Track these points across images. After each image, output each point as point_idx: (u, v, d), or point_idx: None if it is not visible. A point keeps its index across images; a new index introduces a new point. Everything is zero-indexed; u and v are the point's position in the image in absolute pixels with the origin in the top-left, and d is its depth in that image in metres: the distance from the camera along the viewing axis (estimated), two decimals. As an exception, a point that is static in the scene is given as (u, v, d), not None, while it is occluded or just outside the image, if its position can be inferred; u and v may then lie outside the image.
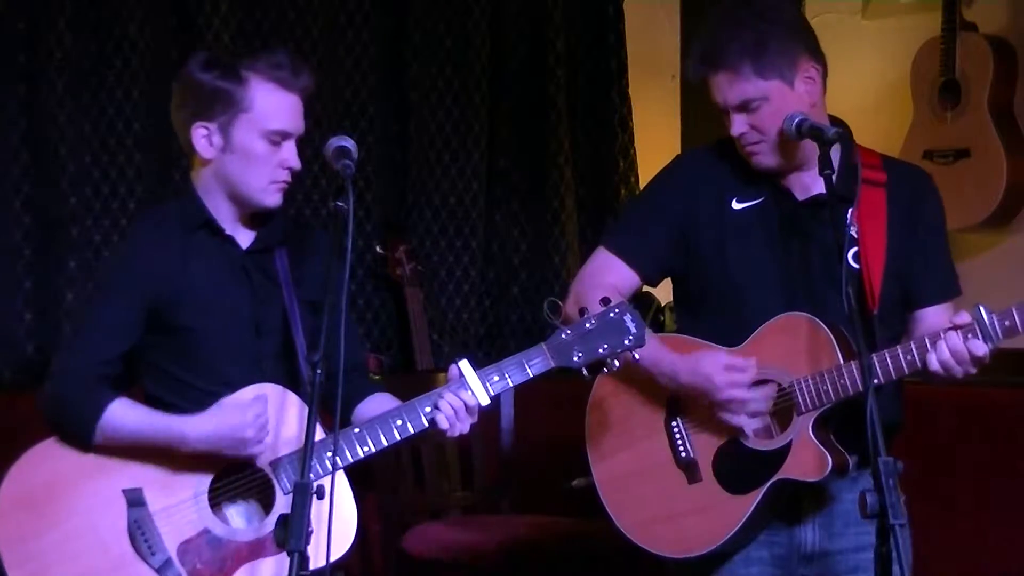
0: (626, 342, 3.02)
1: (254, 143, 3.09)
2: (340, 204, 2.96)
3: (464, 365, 3.04)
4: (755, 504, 3.09)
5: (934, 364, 2.98)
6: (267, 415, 3.03)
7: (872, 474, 2.64)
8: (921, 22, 5.12)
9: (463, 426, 3.03)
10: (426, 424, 3.02)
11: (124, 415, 3.04)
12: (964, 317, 2.98)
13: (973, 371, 3.00)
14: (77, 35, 4.77)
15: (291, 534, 2.64)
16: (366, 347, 3.37)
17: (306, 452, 2.72)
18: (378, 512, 4.80)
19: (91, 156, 4.82)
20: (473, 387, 3.02)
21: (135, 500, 3.03)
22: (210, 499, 3.06)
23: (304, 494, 2.68)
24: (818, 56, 3.14)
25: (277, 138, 3.10)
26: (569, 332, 3.03)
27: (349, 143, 3.04)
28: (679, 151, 5.54)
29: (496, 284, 5.60)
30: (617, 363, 3.04)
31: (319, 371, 2.77)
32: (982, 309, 2.97)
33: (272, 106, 3.09)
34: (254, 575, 3.02)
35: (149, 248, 3.15)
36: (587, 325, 3.02)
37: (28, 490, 3.04)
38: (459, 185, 5.47)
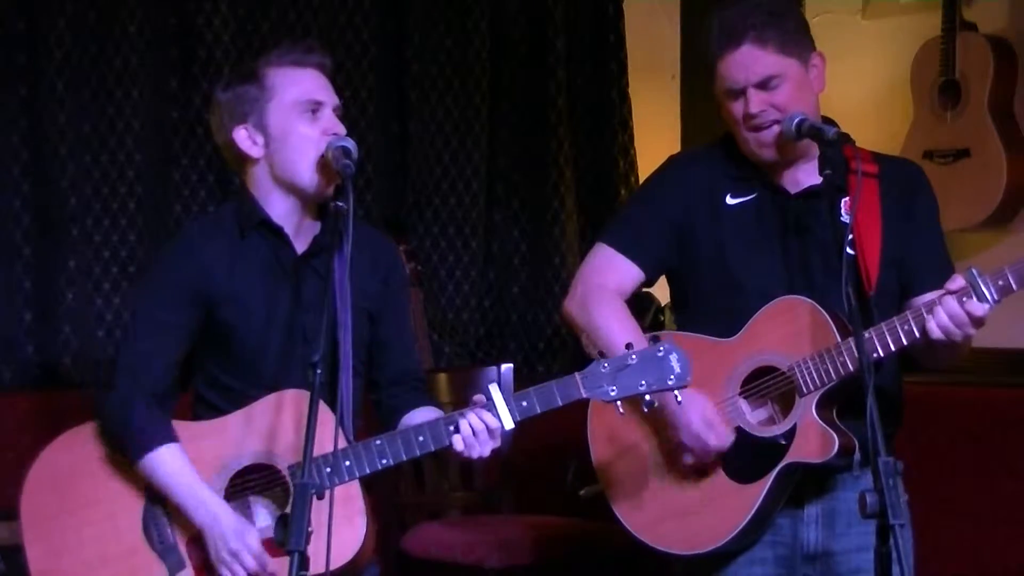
0: (669, 381, 2.93)
1: (289, 120, 3.10)
2: (340, 204, 2.97)
3: (493, 388, 3.01)
4: (765, 492, 3.09)
5: (935, 331, 2.97)
6: (249, 566, 3.03)
7: (872, 474, 2.64)
8: (921, 22, 5.12)
9: (482, 449, 3.00)
10: (447, 443, 3.01)
11: (162, 463, 3.07)
12: (958, 282, 2.99)
13: (973, 333, 2.98)
14: (77, 35, 4.77)
15: (291, 534, 2.65)
16: (416, 357, 3.37)
17: (307, 452, 2.72)
18: (378, 512, 4.80)
19: (91, 156, 4.82)
20: (500, 411, 3.00)
21: (154, 493, 3.10)
22: (232, 494, 3.09)
23: (304, 494, 2.68)
24: (818, 50, 3.20)
25: (311, 107, 3.11)
26: (607, 365, 2.96)
27: (349, 143, 3.05)
28: (679, 151, 5.54)
29: (496, 284, 5.60)
30: (656, 403, 2.97)
31: (319, 372, 2.76)
32: (975, 271, 2.97)
33: (292, 82, 3.12)
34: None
35: (192, 254, 3.16)
36: (629, 360, 2.95)
37: (58, 472, 3.13)
38: (459, 185, 5.47)
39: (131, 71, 4.86)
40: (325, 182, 3.10)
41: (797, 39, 3.14)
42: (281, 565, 2.93)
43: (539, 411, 2.99)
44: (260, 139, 3.12)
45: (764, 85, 3.11)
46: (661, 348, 2.94)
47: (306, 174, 3.10)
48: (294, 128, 3.10)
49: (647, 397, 2.94)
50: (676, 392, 2.95)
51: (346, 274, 2.94)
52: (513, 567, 4.50)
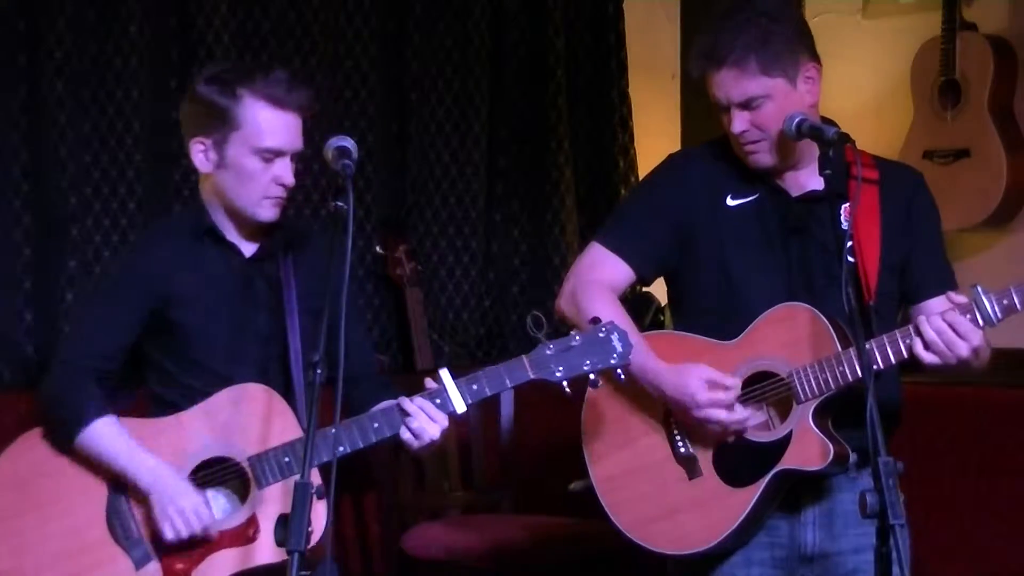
0: (612, 360, 3.06)
1: (246, 160, 3.15)
2: (340, 204, 2.99)
3: (444, 373, 3.09)
4: (756, 496, 3.09)
5: (918, 348, 2.97)
6: (194, 525, 3.07)
7: (872, 474, 2.65)
8: (921, 22, 5.12)
9: (431, 431, 3.06)
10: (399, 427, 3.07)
11: (101, 436, 3.14)
12: (962, 299, 2.99)
13: (964, 354, 2.98)
14: (77, 35, 4.76)
15: (291, 534, 2.65)
16: (374, 353, 3.43)
17: (306, 452, 2.73)
18: (378, 512, 4.81)
19: (91, 156, 4.82)
20: (451, 395, 3.07)
21: (116, 487, 3.14)
22: (193, 484, 3.13)
23: (304, 494, 2.68)
24: (817, 57, 3.16)
25: (269, 155, 3.16)
26: (552, 347, 3.08)
27: (349, 143, 3.07)
28: (679, 149, 5.53)
29: (496, 284, 5.60)
30: (600, 381, 3.09)
31: (319, 371, 2.78)
32: (980, 290, 2.97)
33: (263, 124, 3.14)
34: (215, 564, 3.08)
35: (152, 250, 3.26)
36: (572, 342, 3.07)
37: (18, 470, 3.18)
38: (459, 185, 5.47)
39: (131, 71, 4.85)
40: (263, 213, 3.17)
41: (784, 56, 3.10)
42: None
43: (489, 393, 3.08)
44: (213, 157, 3.18)
45: (746, 105, 3.10)
46: (603, 328, 3.07)
47: (247, 207, 3.18)
48: (246, 167, 3.15)
49: (592, 376, 3.07)
50: (619, 370, 3.06)
51: (346, 275, 2.95)
52: (513, 567, 4.50)
